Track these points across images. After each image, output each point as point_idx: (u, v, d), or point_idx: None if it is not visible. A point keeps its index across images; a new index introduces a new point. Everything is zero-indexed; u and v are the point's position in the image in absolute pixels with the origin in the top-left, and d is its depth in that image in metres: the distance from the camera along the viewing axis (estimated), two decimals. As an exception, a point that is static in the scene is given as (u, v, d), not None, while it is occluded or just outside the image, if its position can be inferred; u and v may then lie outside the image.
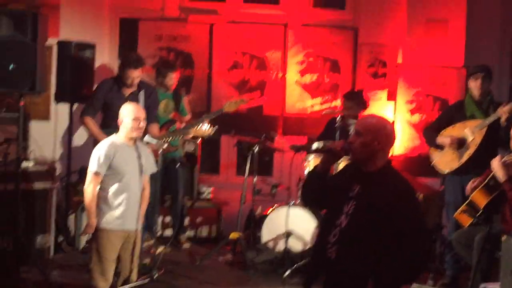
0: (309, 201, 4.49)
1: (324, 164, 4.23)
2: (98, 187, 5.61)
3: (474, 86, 6.56)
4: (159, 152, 6.16)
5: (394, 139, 4.16)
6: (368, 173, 4.10)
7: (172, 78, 7.77)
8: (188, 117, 7.99)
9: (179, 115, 7.87)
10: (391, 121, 4.31)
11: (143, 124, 5.70)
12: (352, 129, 6.55)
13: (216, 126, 7.24)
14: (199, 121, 7.41)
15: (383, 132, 4.07)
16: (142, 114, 5.73)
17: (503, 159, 5.70)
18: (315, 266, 4.25)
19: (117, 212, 5.61)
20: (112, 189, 5.62)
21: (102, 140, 5.81)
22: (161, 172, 7.06)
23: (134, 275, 5.85)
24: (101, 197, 5.63)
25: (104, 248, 5.60)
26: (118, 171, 5.59)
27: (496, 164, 5.68)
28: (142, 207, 5.81)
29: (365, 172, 4.12)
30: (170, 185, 7.54)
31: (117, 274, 5.80)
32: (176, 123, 7.63)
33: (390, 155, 4.18)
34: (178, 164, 7.52)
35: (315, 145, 6.97)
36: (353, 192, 4.09)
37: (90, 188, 5.57)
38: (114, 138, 5.73)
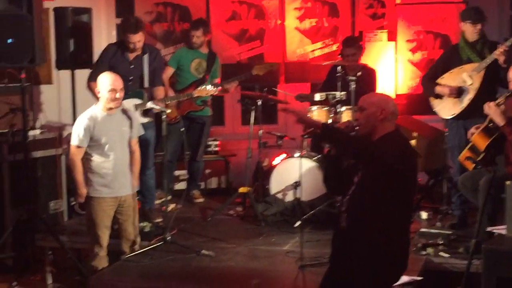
0: (333, 189, 4.63)
1: None
2: (81, 157, 5.73)
3: (473, 30, 6.44)
4: (163, 116, 6.16)
5: (397, 112, 4.25)
6: (374, 141, 4.18)
7: (200, 37, 7.64)
8: (218, 79, 7.86)
9: (209, 76, 7.73)
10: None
11: (120, 94, 5.75)
12: (352, 84, 6.61)
13: (219, 87, 7.27)
14: (226, 82, 7.45)
15: (385, 104, 4.19)
16: (119, 85, 5.76)
17: (497, 102, 5.72)
18: (335, 237, 4.35)
19: (104, 180, 5.76)
20: (97, 158, 5.76)
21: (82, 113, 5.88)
22: (179, 131, 7.09)
23: (137, 238, 6.04)
24: (87, 167, 5.78)
25: (96, 215, 5.78)
26: (100, 142, 5.72)
27: (492, 110, 5.70)
28: (134, 170, 5.95)
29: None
30: (192, 143, 7.52)
31: (121, 238, 5.96)
32: (205, 82, 7.52)
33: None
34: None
35: (317, 96, 7.00)
36: None
37: (74, 160, 5.72)
38: (93, 109, 5.82)
